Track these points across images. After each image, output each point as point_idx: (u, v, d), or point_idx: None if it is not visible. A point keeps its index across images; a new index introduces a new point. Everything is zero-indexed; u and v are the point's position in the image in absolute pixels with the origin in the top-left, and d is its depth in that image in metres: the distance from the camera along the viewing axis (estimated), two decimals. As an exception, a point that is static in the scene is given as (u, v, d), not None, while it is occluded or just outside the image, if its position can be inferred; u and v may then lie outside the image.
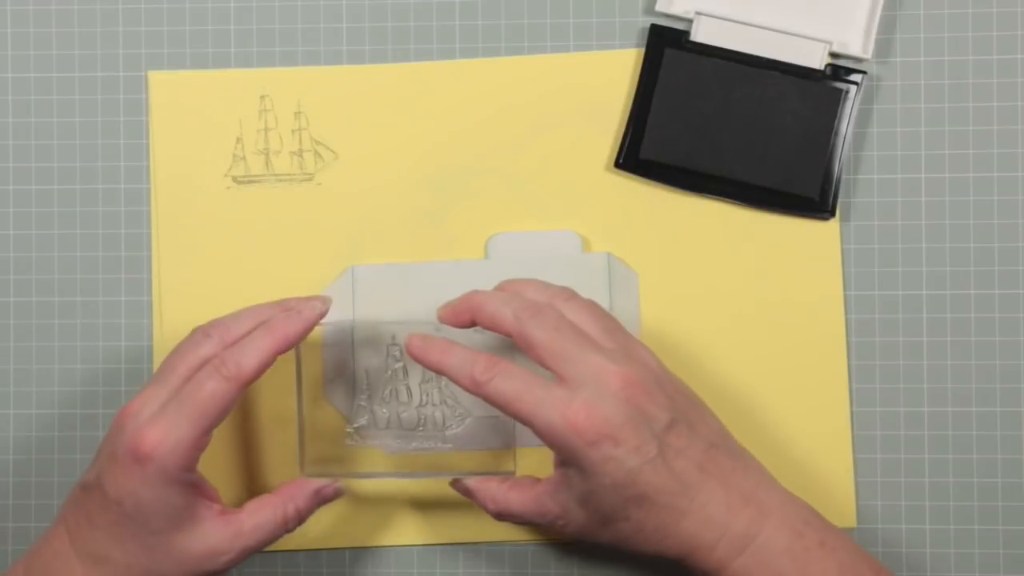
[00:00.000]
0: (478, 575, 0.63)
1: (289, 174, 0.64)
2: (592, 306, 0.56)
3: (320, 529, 0.63)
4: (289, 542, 0.63)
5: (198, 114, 0.64)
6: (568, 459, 0.53)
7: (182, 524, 0.54)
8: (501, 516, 0.57)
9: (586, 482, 0.52)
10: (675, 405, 0.54)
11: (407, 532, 0.63)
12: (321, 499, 0.58)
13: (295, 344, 0.56)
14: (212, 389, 0.53)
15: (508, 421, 0.59)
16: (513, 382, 0.53)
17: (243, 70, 0.64)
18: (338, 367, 0.62)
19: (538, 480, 0.56)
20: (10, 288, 0.65)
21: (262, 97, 0.64)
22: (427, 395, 0.61)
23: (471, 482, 0.58)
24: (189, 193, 0.64)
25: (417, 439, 0.60)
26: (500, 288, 0.57)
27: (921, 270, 0.62)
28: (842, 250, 0.62)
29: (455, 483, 0.59)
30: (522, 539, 0.63)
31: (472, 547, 0.63)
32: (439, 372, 0.55)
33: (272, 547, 0.63)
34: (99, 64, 0.65)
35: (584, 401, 0.52)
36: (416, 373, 0.60)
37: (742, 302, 0.62)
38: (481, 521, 0.63)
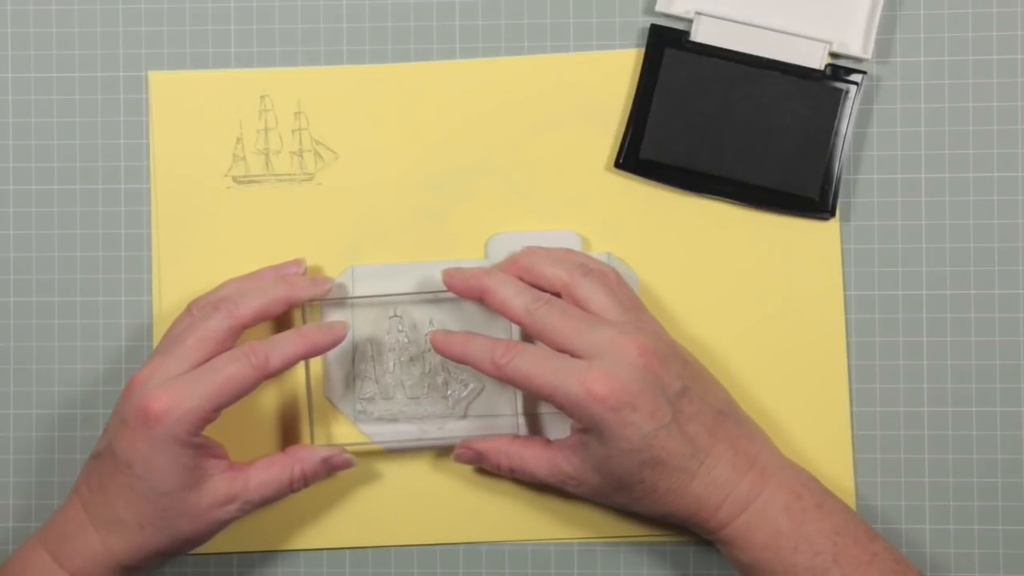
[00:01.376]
0: (478, 575, 0.63)
1: (289, 174, 0.64)
2: (605, 280, 0.58)
3: (320, 529, 0.63)
4: (290, 542, 0.63)
5: (198, 114, 0.64)
6: (589, 426, 0.55)
7: (191, 482, 0.55)
8: (514, 472, 0.59)
9: (604, 447, 0.55)
10: (687, 373, 0.56)
11: (407, 532, 0.63)
12: (330, 467, 0.60)
13: (320, 354, 0.59)
14: (234, 372, 0.55)
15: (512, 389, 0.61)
16: (532, 359, 0.55)
17: (243, 70, 0.64)
18: (335, 355, 0.62)
19: (550, 441, 0.58)
20: (10, 288, 0.65)
21: (262, 97, 0.64)
22: (430, 364, 0.62)
23: (480, 443, 0.59)
24: (189, 193, 0.64)
25: (423, 407, 0.62)
26: (518, 258, 0.59)
27: (921, 270, 0.62)
28: (842, 250, 0.62)
29: (461, 449, 0.60)
30: (522, 539, 0.63)
31: (472, 547, 0.63)
32: (463, 362, 0.57)
33: (272, 547, 0.63)
34: (99, 64, 0.65)
35: (601, 370, 0.54)
36: (420, 345, 0.62)
37: (742, 302, 0.62)
38: (481, 521, 0.63)
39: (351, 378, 0.62)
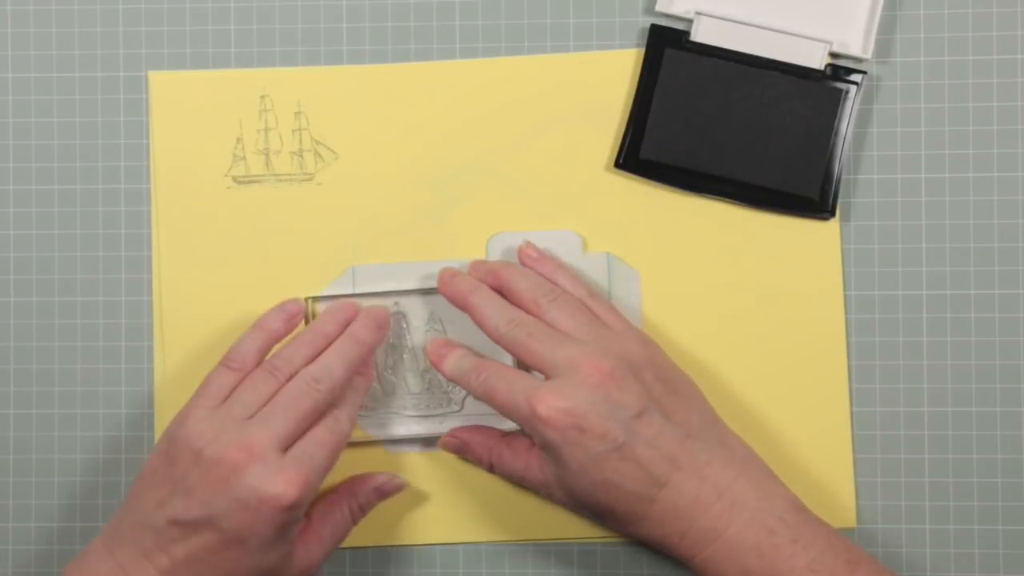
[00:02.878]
0: (478, 575, 0.63)
1: (289, 174, 0.64)
2: (571, 302, 0.58)
3: (320, 529, 0.63)
4: (289, 542, 0.63)
5: (198, 114, 0.64)
6: (540, 444, 0.55)
7: (288, 553, 0.55)
8: (493, 469, 0.60)
9: (556, 465, 0.55)
10: (650, 395, 0.55)
11: (408, 532, 0.63)
12: (382, 494, 0.61)
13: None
14: (331, 435, 0.56)
15: None
16: (498, 377, 0.56)
17: (243, 70, 0.64)
18: None
19: (533, 445, 0.58)
20: (10, 288, 0.65)
21: (262, 97, 0.64)
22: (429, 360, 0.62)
23: (467, 433, 0.60)
24: (189, 193, 0.64)
25: (423, 403, 0.62)
26: (497, 273, 0.59)
27: (921, 270, 0.62)
28: (842, 250, 0.62)
29: (448, 437, 0.61)
30: (522, 539, 0.63)
31: (472, 547, 0.63)
32: (450, 379, 0.59)
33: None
34: (99, 64, 0.65)
35: (551, 389, 0.54)
36: (420, 339, 0.62)
37: (742, 302, 0.62)
38: (481, 521, 0.63)
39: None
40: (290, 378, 0.56)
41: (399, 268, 0.63)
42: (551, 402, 0.53)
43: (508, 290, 0.59)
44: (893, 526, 0.62)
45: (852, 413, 0.62)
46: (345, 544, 0.63)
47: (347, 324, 0.59)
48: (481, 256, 0.63)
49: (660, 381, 0.56)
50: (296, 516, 0.54)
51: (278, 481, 0.53)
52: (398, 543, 0.63)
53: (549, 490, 0.57)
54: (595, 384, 0.54)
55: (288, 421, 0.55)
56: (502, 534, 0.63)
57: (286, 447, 0.54)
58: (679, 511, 0.54)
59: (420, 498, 0.63)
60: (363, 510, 0.60)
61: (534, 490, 0.58)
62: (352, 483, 0.60)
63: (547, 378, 0.55)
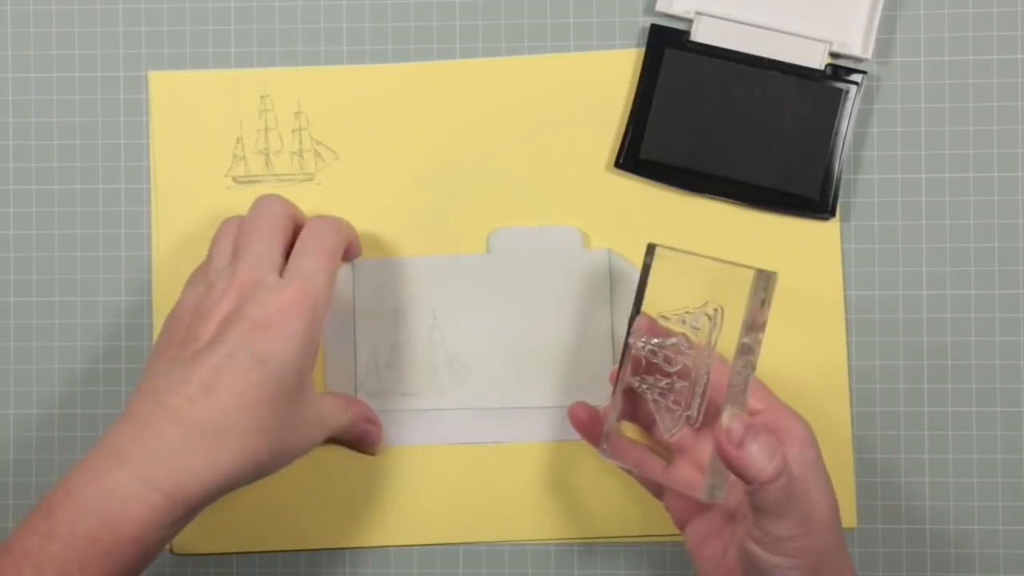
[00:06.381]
0: (478, 575, 0.63)
1: (289, 174, 0.64)
2: None
3: (321, 529, 0.63)
4: (289, 542, 0.63)
5: (198, 114, 0.64)
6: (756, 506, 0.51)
7: (304, 391, 0.54)
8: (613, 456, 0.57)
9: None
10: None
11: (407, 532, 0.63)
12: (368, 429, 0.61)
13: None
14: (336, 235, 0.57)
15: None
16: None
17: (243, 70, 0.64)
18: (336, 348, 0.62)
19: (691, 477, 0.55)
20: (10, 288, 0.65)
21: (262, 97, 0.64)
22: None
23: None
24: (189, 193, 0.64)
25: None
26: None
27: (921, 270, 0.62)
28: (842, 250, 0.62)
29: (577, 410, 0.58)
30: (522, 539, 0.63)
31: (472, 547, 0.63)
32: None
33: (272, 547, 0.63)
34: (99, 64, 0.65)
35: None
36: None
37: (742, 302, 0.62)
38: (481, 521, 0.63)
39: (353, 369, 0.62)
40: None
41: (399, 262, 0.62)
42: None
43: None
44: (893, 526, 0.62)
45: (852, 413, 0.62)
46: (345, 544, 0.63)
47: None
48: (482, 251, 0.63)
49: None
50: (309, 334, 0.53)
51: (285, 292, 0.53)
52: (398, 543, 0.63)
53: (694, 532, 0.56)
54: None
55: (270, 248, 0.55)
56: (502, 534, 0.63)
57: (279, 272, 0.55)
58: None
59: (421, 498, 0.63)
60: (367, 420, 0.61)
61: (654, 494, 0.59)
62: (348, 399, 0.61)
63: None
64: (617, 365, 0.56)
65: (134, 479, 0.50)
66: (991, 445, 0.62)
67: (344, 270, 0.62)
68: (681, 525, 0.57)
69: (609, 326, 0.62)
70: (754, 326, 0.53)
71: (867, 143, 0.63)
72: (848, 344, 0.62)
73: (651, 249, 0.55)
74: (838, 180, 0.62)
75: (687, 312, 0.54)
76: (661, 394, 0.55)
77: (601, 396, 0.59)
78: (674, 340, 0.54)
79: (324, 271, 0.55)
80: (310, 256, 0.55)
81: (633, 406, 0.57)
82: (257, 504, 0.63)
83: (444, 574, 0.63)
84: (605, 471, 0.62)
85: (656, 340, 0.55)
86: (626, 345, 0.55)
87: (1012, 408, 0.62)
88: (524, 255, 0.62)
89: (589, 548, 0.63)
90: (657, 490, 0.59)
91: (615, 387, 0.56)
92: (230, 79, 0.64)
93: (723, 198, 0.62)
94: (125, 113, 0.65)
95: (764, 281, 0.52)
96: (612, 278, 0.62)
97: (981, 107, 0.62)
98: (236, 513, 0.63)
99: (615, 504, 0.62)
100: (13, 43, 0.65)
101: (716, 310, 0.53)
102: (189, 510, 0.51)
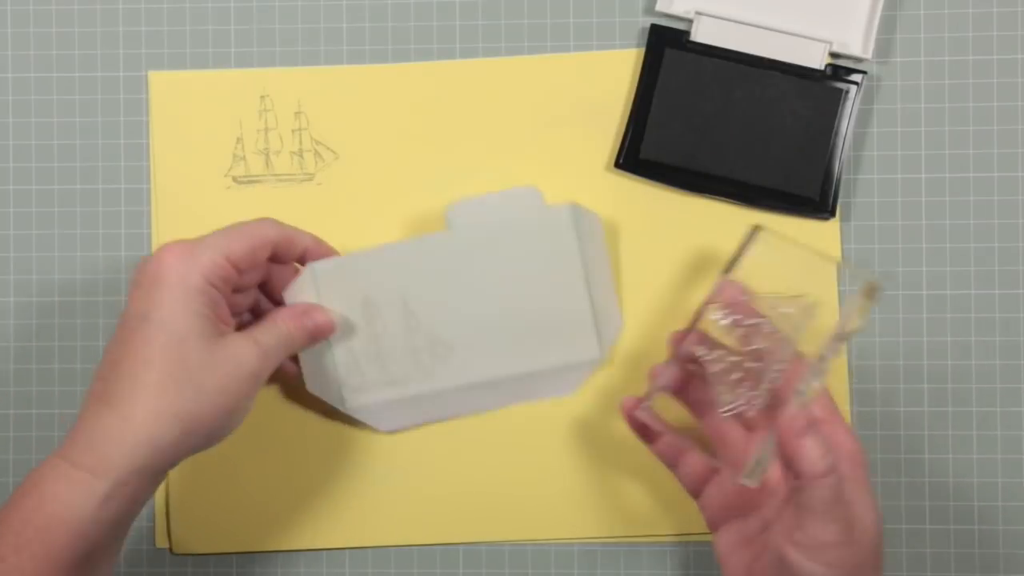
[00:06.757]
0: (478, 575, 0.63)
1: (289, 174, 0.64)
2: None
3: (320, 529, 0.63)
4: (290, 542, 0.63)
5: (198, 114, 0.64)
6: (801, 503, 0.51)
7: (208, 331, 0.53)
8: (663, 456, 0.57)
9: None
10: None
11: (407, 532, 0.63)
12: (310, 324, 0.58)
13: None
14: (255, 226, 0.56)
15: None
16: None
17: (243, 70, 0.64)
18: (313, 352, 0.60)
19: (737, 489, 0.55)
20: (10, 288, 0.65)
21: (262, 97, 0.64)
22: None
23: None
24: (189, 193, 0.64)
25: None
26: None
27: (921, 270, 0.62)
28: (842, 250, 0.62)
29: (636, 408, 0.56)
30: (522, 539, 0.63)
31: (472, 547, 0.63)
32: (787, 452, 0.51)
33: (272, 548, 0.63)
34: (99, 64, 0.65)
35: None
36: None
37: (742, 302, 0.62)
38: (481, 521, 0.63)
39: (331, 365, 0.60)
40: None
41: (360, 257, 0.60)
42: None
43: None
44: (893, 526, 0.62)
45: (852, 413, 0.62)
46: (345, 544, 0.63)
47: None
48: (443, 228, 0.61)
49: None
50: (184, 277, 0.52)
51: (163, 250, 0.53)
52: (398, 543, 0.63)
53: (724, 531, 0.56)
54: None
55: (214, 238, 0.55)
56: (502, 534, 0.63)
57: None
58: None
59: (420, 498, 0.63)
60: (308, 330, 0.58)
61: (691, 491, 0.58)
62: (286, 309, 0.58)
63: None
64: (683, 329, 0.55)
65: (60, 459, 0.50)
66: (991, 445, 0.62)
67: (305, 275, 0.59)
68: (714, 527, 0.57)
69: (583, 279, 0.59)
70: (845, 333, 0.53)
71: (867, 143, 0.63)
72: (848, 344, 0.62)
73: (755, 231, 0.55)
74: (838, 180, 0.62)
75: (779, 297, 0.54)
76: (726, 370, 0.54)
77: (583, 347, 0.59)
78: (758, 321, 0.53)
79: (223, 235, 0.55)
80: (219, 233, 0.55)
81: (685, 378, 0.56)
82: (257, 504, 0.63)
83: (444, 574, 0.63)
84: (607, 471, 0.62)
85: (739, 316, 0.54)
86: (700, 312, 0.54)
87: (1012, 408, 0.62)
88: (485, 226, 0.59)
89: (589, 548, 0.63)
90: (696, 487, 0.58)
91: (676, 349, 0.55)
92: (230, 79, 0.64)
93: (723, 198, 0.62)
94: (125, 113, 0.65)
95: (870, 292, 0.53)
96: (579, 233, 0.60)
97: (981, 107, 0.62)
98: (236, 513, 0.63)
99: (615, 504, 0.62)
100: (13, 43, 0.65)
101: (810, 305, 0.53)
102: (119, 484, 0.50)
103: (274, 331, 0.56)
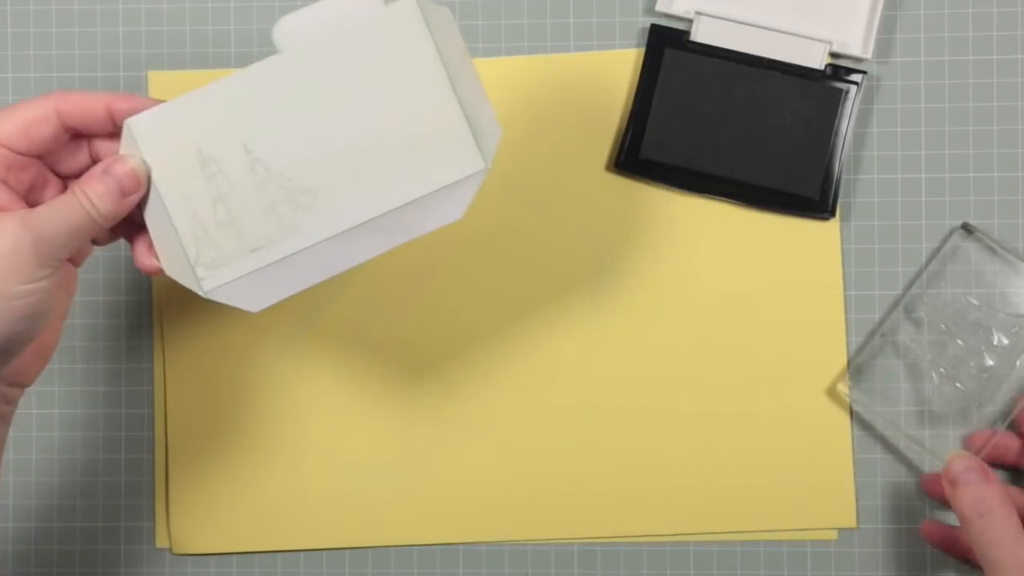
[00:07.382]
0: (478, 575, 0.63)
1: (289, 174, 0.63)
2: None
3: (320, 529, 0.63)
4: (290, 542, 0.63)
5: (198, 114, 0.64)
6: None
7: None
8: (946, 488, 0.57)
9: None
10: None
11: (407, 532, 0.63)
12: (110, 175, 0.49)
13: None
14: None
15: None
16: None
17: (243, 70, 0.64)
18: (158, 230, 0.51)
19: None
20: (10, 288, 0.64)
21: (262, 97, 0.64)
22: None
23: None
24: (189, 193, 0.63)
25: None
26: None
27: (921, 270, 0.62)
28: (842, 250, 0.62)
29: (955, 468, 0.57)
30: (522, 539, 0.63)
31: (472, 547, 0.63)
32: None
33: (272, 548, 0.63)
34: (99, 64, 0.65)
35: None
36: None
37: (742, 302, 0.62)
38: (481, 521, 0.63)
39: (177, 242, 0.51)
40: None
41: (183, 103, 0.50)
42: None
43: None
44: (893, 526, 0.62)
45: (852, 413, 0.62)
46: (345, 544, 0.63)
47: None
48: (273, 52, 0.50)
49: None
50: None
51: None
52: (398, 543, 0.63)
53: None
54: None
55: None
56: (502, 534, 0.63)
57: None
58: None
59: (420, 498, 0.63)
60: (94, 201, 0.48)
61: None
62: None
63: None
64: (983, 434, 0.59)
65: None
66: (991, 445, 0.62)
67: (124, 137, 0.50)
68: None
69: (446, 81, 0.50)
70: None
71: (867, 143, 0.63)
72: (848, 344, 0.62)
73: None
74: (838, 180, 0.62)
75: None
76: None
77: (463, 160, 0.50)
78: None
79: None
80: None
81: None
82: (257, 504, 0.63)
83: (444, 574, 0.63)
84: (606, 471, 0.62)
85: None
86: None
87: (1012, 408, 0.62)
88: (320, 39, 0.50)
89: (589, 548, 0.63)
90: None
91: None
92: (230, 79, 0.64)
93: (723, 198, 0.62)
94: (125, 113, 0.64)
95: None
96: (431, 29, 0.50)
97: (981, 107, 0.62)
98: (236, 513, 0.63)
99: (615, 503, 0.62)
100: (13, 43, 0.65)
101: None
102: None
103: (58, 202, 0.48)
